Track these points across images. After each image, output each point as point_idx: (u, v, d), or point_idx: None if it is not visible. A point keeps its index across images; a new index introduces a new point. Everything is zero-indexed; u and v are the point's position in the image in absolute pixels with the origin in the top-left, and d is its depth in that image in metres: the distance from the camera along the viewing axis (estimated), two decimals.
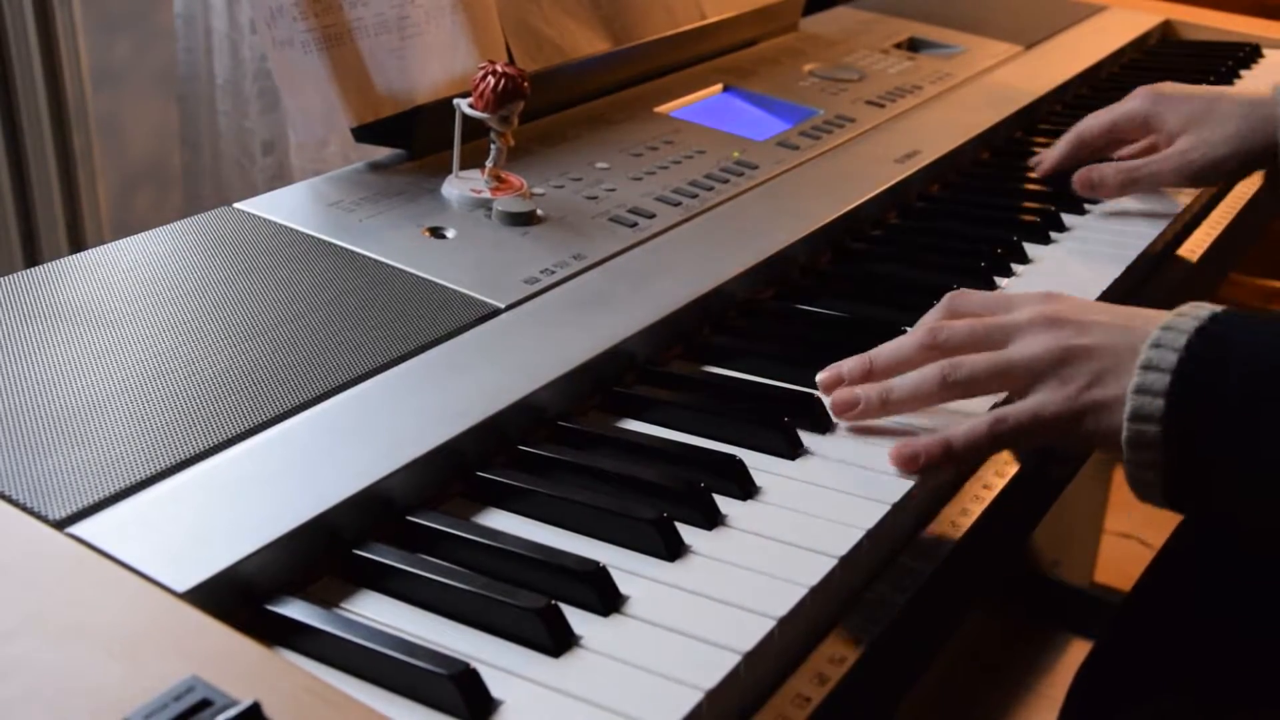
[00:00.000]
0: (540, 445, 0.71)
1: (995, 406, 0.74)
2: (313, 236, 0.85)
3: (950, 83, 1.33)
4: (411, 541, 0.63)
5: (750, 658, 0.56)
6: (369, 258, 0.82)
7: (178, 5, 1.78)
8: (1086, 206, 1.08)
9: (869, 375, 0.75)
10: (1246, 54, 1.58)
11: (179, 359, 0.70)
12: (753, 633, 0.57)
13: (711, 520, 0.65)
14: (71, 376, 0.67)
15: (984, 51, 1.44)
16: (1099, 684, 0.86)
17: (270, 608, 0.57)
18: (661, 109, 1.15)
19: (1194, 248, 1.10)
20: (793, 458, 0.71)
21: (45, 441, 0.62)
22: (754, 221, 0.95)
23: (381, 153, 1.00)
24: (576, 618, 0.58)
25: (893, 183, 1.06)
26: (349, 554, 0.61)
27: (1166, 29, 1.72)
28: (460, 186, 0.93)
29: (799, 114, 1.18)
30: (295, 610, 0.56)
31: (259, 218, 0.87)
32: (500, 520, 0.66)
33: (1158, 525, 0.97)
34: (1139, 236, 1.02)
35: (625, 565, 0.61)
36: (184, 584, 0.54)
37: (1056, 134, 1.25)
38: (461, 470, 0.67)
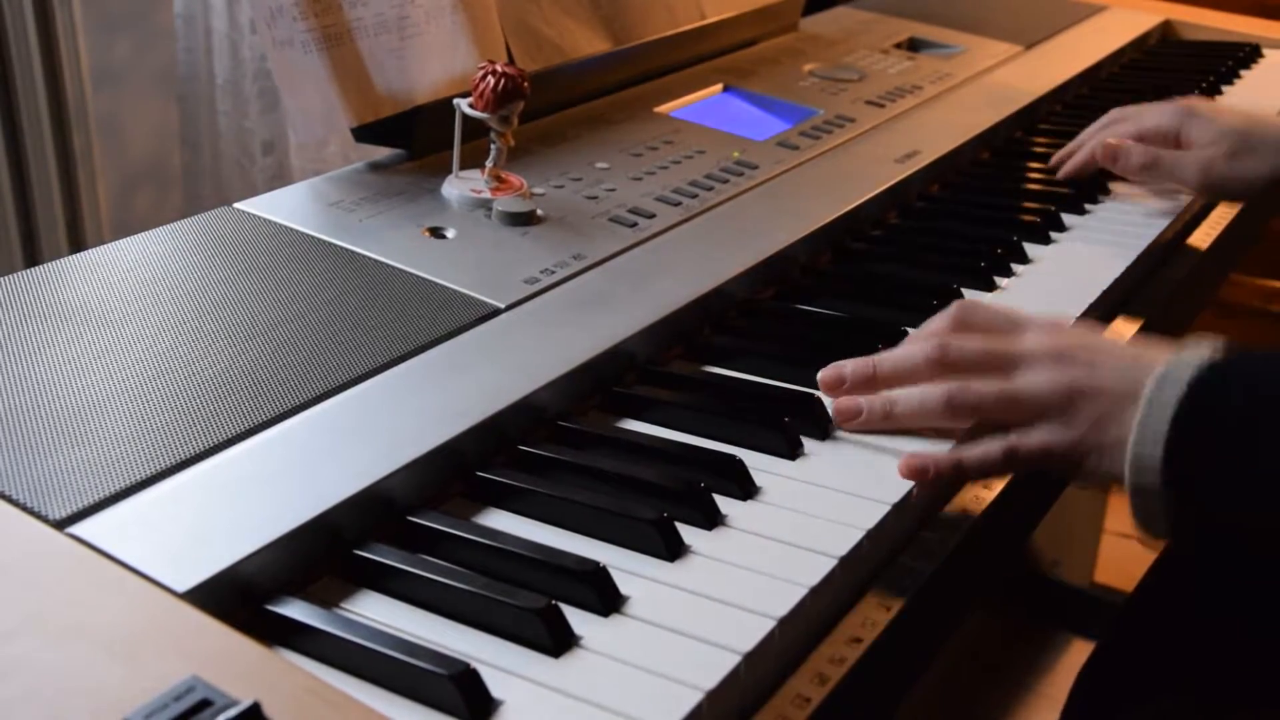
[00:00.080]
0: (540, 445, 0.71)
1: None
2: (313, 236, 0.85)
3: (950, 83, 1.33)
4: (412, 541, 0.63)
5: (750, 658, 0.56)
6: (369, 258, 0.82)
7: (178, 5, 1.78)
8: (1086, 206, 1.08)
9: (872, 380, 0.75)
10: (1246, 54, 1.58)
11: (179, 359, 0.70)
12: (753, 633, 0.57)
13: (711, 520, 0.65)
14: (71, 376, 0.67)
15: (984, 51, 1.44)
16: (1101, 684, 0.86)
17: (270, 608, 0.57)
18: (661, 109, 1.15)
19: (1195, 247, 1.10)
20: (793, 458, 0.71)
21: (45, 441, 0.62)
22: (754, 221, 0.95)
23: (381, 153, 1.00)
24: (576, 618, 0.58)
25: (893, 183, 1.06)
26: (349, 554, 0.61)
27: (1166, 29, 1.72)
28: (460, 186, 0.93)
29: (799, 114, 1.18)
30: (295, 610, 0.56)
31: (259, 218, 0.87)
32: (500, 520, 0.66)
33: None
34: (1139, 236, 1.02)
35: (625, 565, 0.61)
36: (184, 584, 0.54)
37: (1056, 134, 1.26)
38: (462, 470, 0.67)
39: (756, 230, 0.94)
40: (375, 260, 0.82)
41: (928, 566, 0.67)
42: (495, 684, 0.53)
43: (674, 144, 1.07)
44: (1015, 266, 0.97)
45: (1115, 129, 1.11)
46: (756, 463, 0.70)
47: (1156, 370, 0.68)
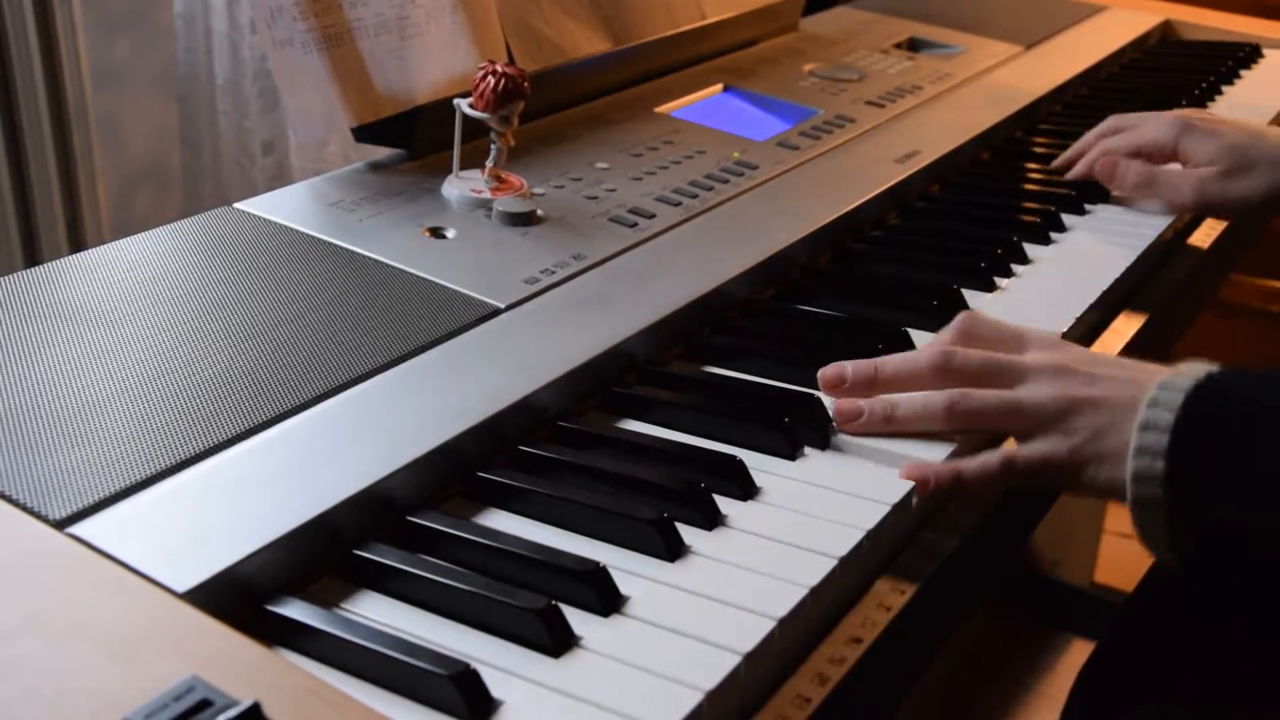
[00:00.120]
0: (540, 445, 0.71)
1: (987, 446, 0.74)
2: (313, 236, 0.85)
3: (950, 83, 1.33)
4: (412, 542, 0.63)
5: (750, 658, 0.56)
6: (369, 258, 0.82)
7: (178, 5, 1.78)
8: (1086, 206, 1.08)
9: (873, 383, 0.75)
10: (1246, 54, 1.58)
11: (179, 359, 0.70)
12: (753, 633, 0.57)
13: (711, 520, 0.65)
14: (71, 376, 0.67)
15: (984, 51, 1.44)
16: (1101, 684, 0.86)
17: (270, 608, 0.57)
18: (661, 109, 1.15)
19: (1195, 247, 1.10)
20: (793, 458, 0.71)
21: (45, 441, 0.62)
22: (754, 221, 0.95)
23: (381, 153, 1.00)
24: (576, 618, 0.58)
25: (893, 183, 1.06)
26: (349, 554, 0.61)
27: (1166, 29, 1.72)
28: (460, 186, 0.93)
29: (799, 114, 1.18)
30: (295, 610, 0.56)
31: (259, 218, 0.87)
32: (500, 520, 0.66)
33: None
34: (1139, 236, 1.02)
35: (625, 565, 0.61)
36: (184, 584, 0.54)
37: (1056, 134, 1.26)
38: (462, 470, 0.67)
39: (756, 230, 0.94)
40: (375, 260, 0.82)
41: (928, 566, 0.67)
42: (495, 684, 0.53)
43: (674, 144, 1.07)
44: (1015, 267, 0.97)
45: (1114, 140, 1.11)
46: (756, 463, 0.70)
47: (1156, 381, 0.69)
